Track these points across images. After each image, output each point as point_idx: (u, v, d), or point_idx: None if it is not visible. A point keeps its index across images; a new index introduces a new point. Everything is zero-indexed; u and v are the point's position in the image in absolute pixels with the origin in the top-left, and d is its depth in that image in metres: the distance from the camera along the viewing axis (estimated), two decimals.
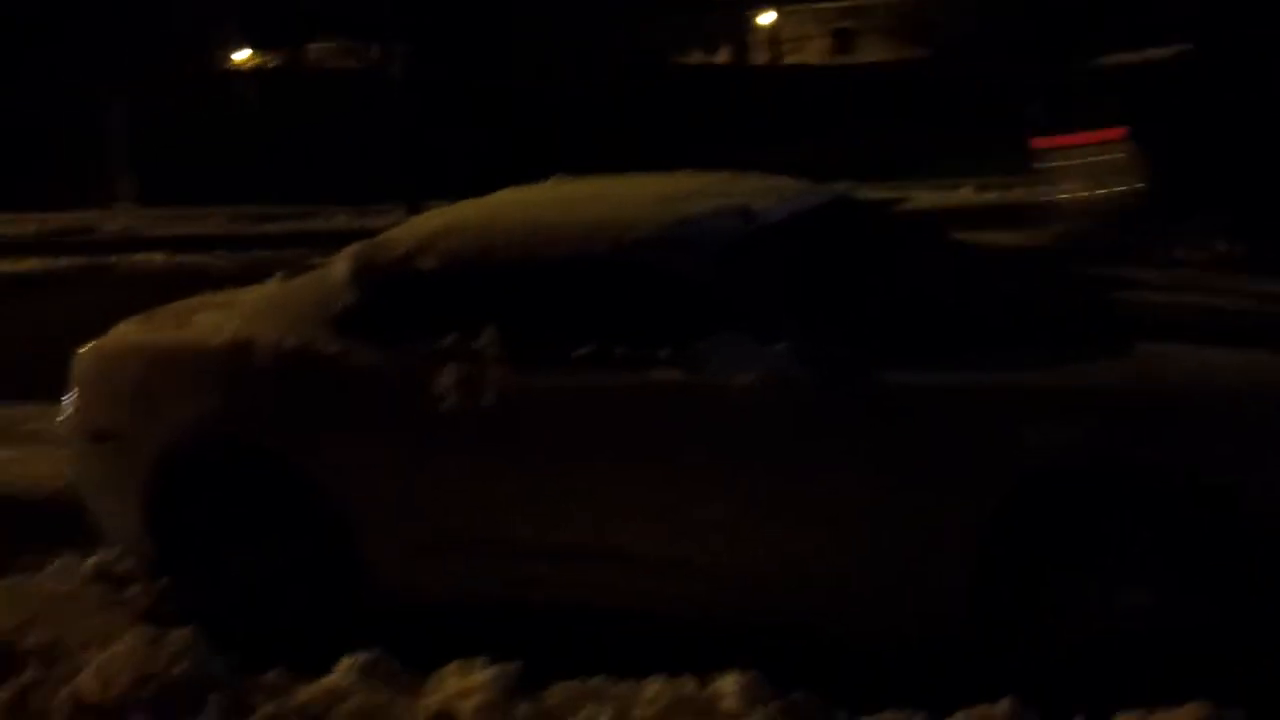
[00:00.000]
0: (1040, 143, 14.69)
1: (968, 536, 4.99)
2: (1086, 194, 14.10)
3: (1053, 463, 4.93)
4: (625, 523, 5.50)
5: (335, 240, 8.93)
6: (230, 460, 6.06)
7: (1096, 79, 14.65)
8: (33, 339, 13.29)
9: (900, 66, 24.74)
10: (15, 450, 9.56)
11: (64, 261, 19.82)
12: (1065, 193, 14.33)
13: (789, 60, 49.52)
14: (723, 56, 47.82)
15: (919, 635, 5.25)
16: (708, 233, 5.64)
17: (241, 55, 34.70)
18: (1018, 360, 5.18)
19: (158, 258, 19.48)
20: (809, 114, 24.80)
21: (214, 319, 6.47)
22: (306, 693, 5.35)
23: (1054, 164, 14.49)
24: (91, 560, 6.95)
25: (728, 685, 4.99)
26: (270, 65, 30.96)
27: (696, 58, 45.05)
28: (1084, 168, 14.05)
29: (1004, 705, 4.68)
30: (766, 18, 49.37)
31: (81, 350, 6.59)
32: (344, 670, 5.40)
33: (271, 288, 6.67)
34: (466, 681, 5.24)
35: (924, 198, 19.46)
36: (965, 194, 20.06)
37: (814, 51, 52.13)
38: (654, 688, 5.07)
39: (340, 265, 6.12)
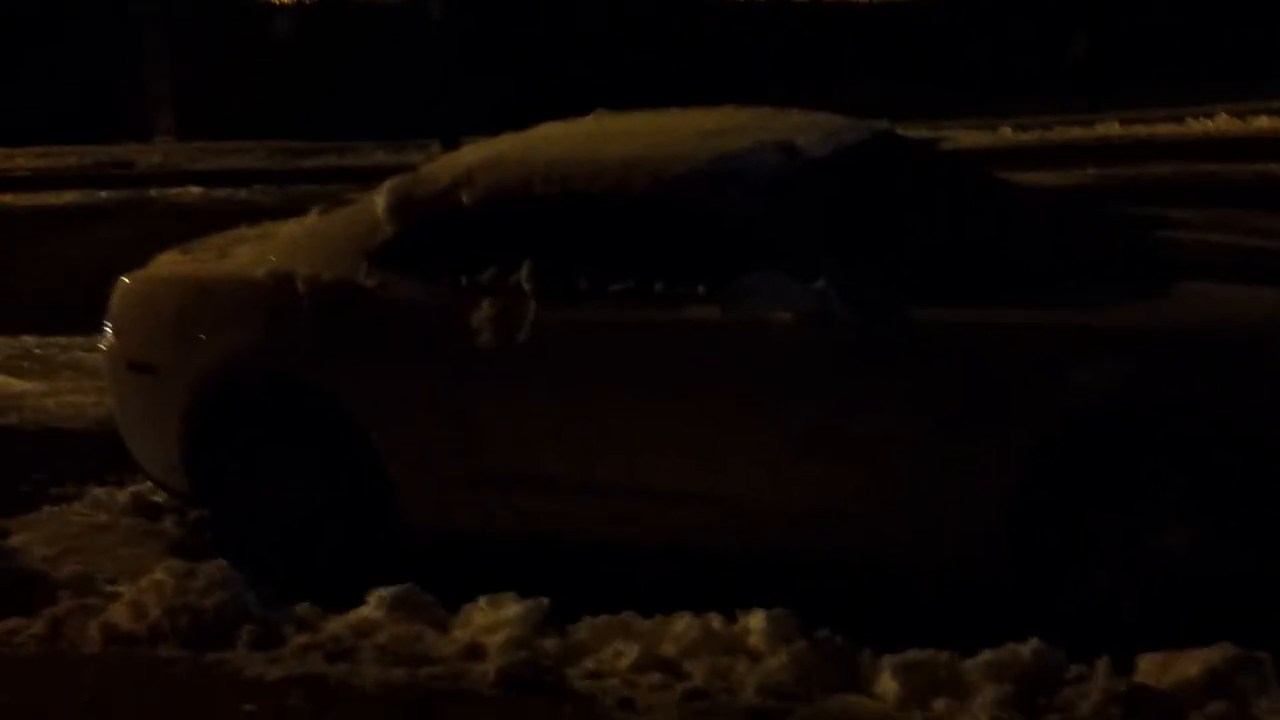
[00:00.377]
0: None
1: (1005, 477, 4.97)
2: None
3: (1091, 404, 4.90)
4: (661, 459, 5.49)
5: (373, 175, 8.92)
6: (267, 394, 6.07)
7: None
8: (72, 272, 13.35)
9: (943, 3, 24.45)
10: (55, 381, 9.62)
11: (103, 194, 19.86)
12: None
13: None
14: None
15: (955, 576, 5.24)
16: (750, 168, 5.60)
17: None
18: (1057, 300, 5.14)
19: (196, 191, 19.51)
20: (848, 52, 24.57)
21: (253, 252, 6.47)
22: (337, 625, 5.39)
23: None
24: (127, 491, 7.01)
25: (755, 622, 5.00)
26: None
27: None
28: None
29: (1030, 646, 4.66)
30: None
31: (122, 280, 6.59)
32: (374, 603, 5.43)
33: (310, 221, 6.66)
34: (495, 616, 5.26)
35: (965, 138, 19.31)
36: (1005, 133, 19.91)
37: None
38: (681, 623, 5.08)
39: (378, 199, 6.09)
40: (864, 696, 4.69)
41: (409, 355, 5.82)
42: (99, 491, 7.09)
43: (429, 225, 5.94)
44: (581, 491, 5.62)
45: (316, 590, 5.65)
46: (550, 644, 5.10)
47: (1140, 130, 19.20)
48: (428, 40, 24.10)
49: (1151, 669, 4.56)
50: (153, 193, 19.75)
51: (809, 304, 5.18)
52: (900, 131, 7.11)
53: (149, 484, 6.79)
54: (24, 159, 24.89)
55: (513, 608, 5.26)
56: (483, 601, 5.34)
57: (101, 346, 6.67)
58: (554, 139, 6.38)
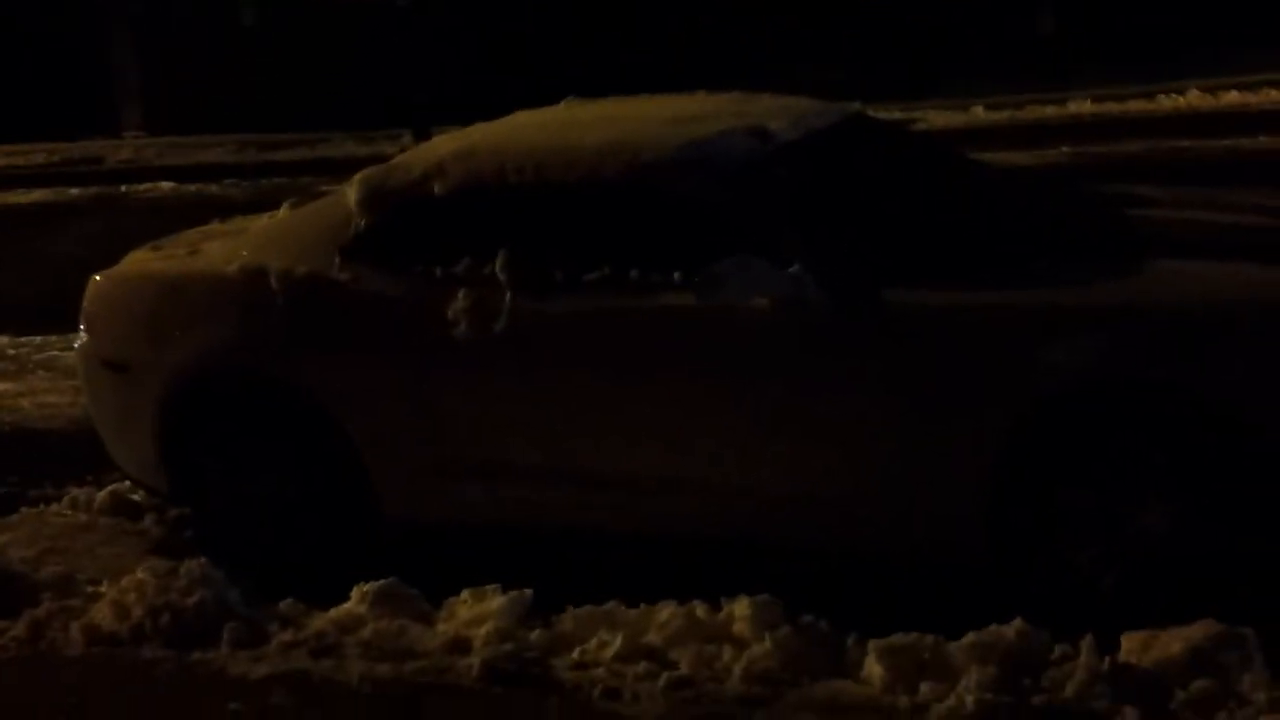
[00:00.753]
0: None
1: (981, 458, 4.97)
2: None
3: (1065, 383, 4.90)
4: (637, 446, 5.49)
5: (345, 166, 8.90)
6: (242, 390, 6.05)
7: None
8: (45, 270, 13.30)
9: None
10: (30, 381, 9.58)
11: (74, 192, 19.80)
12: None
13: None
14: None
15: (932, 558, 5.25)
16: (722, 154, 5.59)
17: None
18: (1031, 280, 5.14)
19: (167, 186, 19.45)
20: (816, 34, 24.56)
21: (224, 248, 6.44)
22: (321, 621, 5.37)
23: None
24: (106, 491, 6.98)
25: (740, 609, 4.99)
26: None
27: None
28: None
29: (1014, 627, 4.67)
30: None
31: (93, 279, 6.56)
32: (357, 599, 5.42)
33: (281, 216, 6.64)
34: (479, 608, 5.25)
35: (936, 118, 19.34)
36: (976, 113, 19.95)
37: None
38: (665, 612, 5.08)
39: (350, 192, 6.07)
40: (850, 681, 4.69)
41: (384, 348, 5.80)
42: (77, 491, 7.06)
43: (402, 217, 5.92)
44: (559, 481, 5.61)
45: (299, 586, 5.63)
46: (535, 635, 5.09)
47: (1112, 108, 19.27)
48: (397, 30, 24.05)
49: (1135, 647, 4.57)
50: (124, 189, 19.70)
51: (783, 289, 5.17)
52: (872, 113, 7.11)
53: (128, 483, 6.77)
54: None
55: (496, 600, 5.26)
56: (466, 594, 5.34)
57: (75, 345, 6.64)
58: (525, 128, 6.37)
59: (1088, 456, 4.89)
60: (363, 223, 5.94)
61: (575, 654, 4.99)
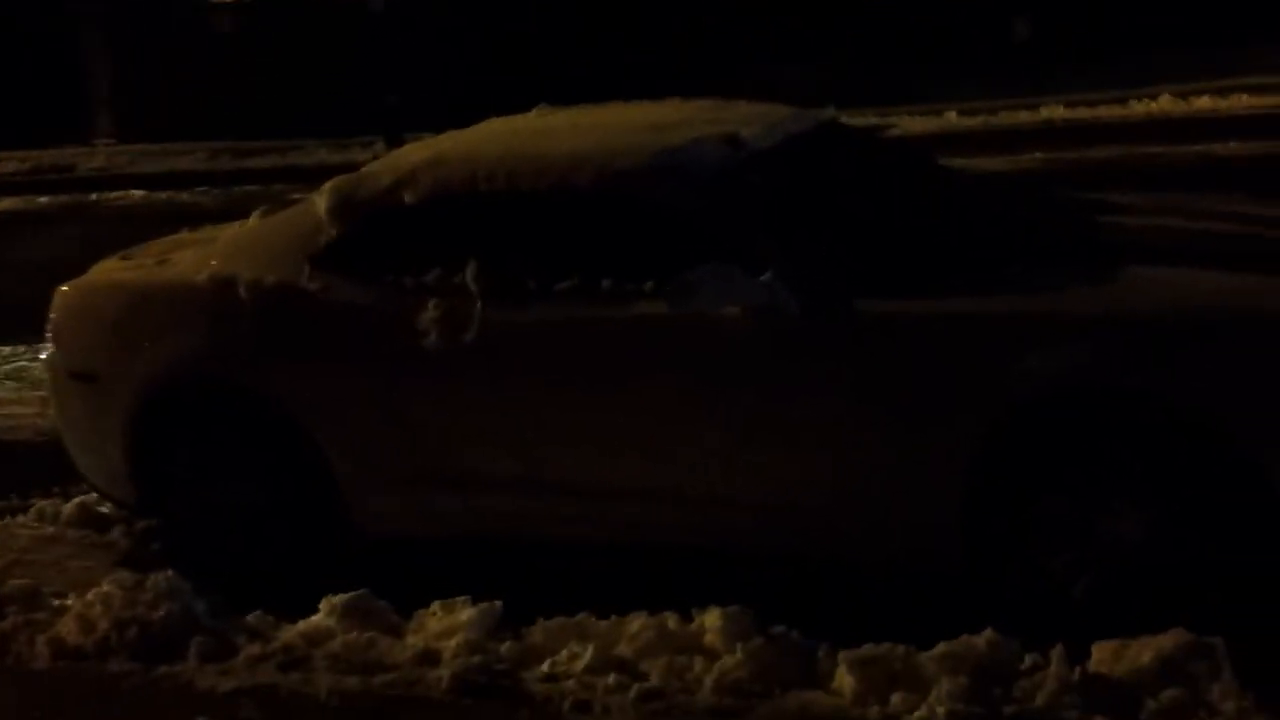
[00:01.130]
0: None
1: (955, 465, 4.96)
2: None
3: (1039, 390, 4.89)
4: (612, 456, 5.47)
5: (316, 174, 8.86)
6: (211, 400, 6.01)
7: None
8: (14, 279, 13.21)
9: None
10: None
11: (44, 200, 19.72)
12: None
13: None
14: None
15: (907, 565, 5.23)
16: (694, 162, 5.57)
17: None
18: (1004, 287, 5.13)
19: (138, 195, 19.38)
20: (789, 37, 24.56)
21: (194, 256, 6.40)
22: (289, 634, 5.35)
23: None
24: (73, 503, 6.93)
25: (711, 620, 4.98)
26: None
27: None
28: None
29: (984, 637, 4.66)
30: None
31: (61, 289, 6.52)
32: (326, 611, 5.39)
33: (251, 224, 6.59)
34: (449, 620, 5.23)
35: (910, 124, 19.36)
36: (950, 119, 19.98)
37: None
38: (636, 623, 5.05)
39: (320, 201, 6.04)
40: (821, 693, 4.68)
41: (354, 358, 5.77)
42: (44, 503, 7.00)
43: (372, 226, 5.89)
44: (531, 491, 5.58)
45: (268, 598, 5.61)
46: (505, 648, 5.06)
47: (1084, 113, 19.29)
48: (370, 35, 24.01)
49: (1105, 657, 4.57)
50: (94, 197, 19.63)
51: (757, 298, 5.15)
52: (846, 120, 7.10)
53: (95, 495, 6.72)
54: None
55: (466, 612, 5.23)
56: (436, 606, 5.31)
57: (42, 356, 6.59)
58: (497, 136, 6.34)
59: (1061, 463, 4.88)
60: (333, 232, 5.91)
61: (545, 666, 4.97)
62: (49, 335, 6.48)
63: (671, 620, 5.04)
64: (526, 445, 5.55)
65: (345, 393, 5.77)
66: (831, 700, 4.63)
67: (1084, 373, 4.87)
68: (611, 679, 4.83)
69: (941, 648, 4.65)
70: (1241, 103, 18.55)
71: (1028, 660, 4.60)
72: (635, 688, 4.77)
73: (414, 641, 5.19)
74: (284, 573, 5.88)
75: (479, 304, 5.55)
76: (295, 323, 5.87)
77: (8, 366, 10.12)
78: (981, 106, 20.43)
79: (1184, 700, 4.35)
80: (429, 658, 5.08)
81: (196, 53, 26.70)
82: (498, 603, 5.25)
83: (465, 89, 22.64)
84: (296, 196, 6.98)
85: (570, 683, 4.86)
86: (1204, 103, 18.87)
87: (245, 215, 6.86)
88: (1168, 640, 4.52)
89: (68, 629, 5.44)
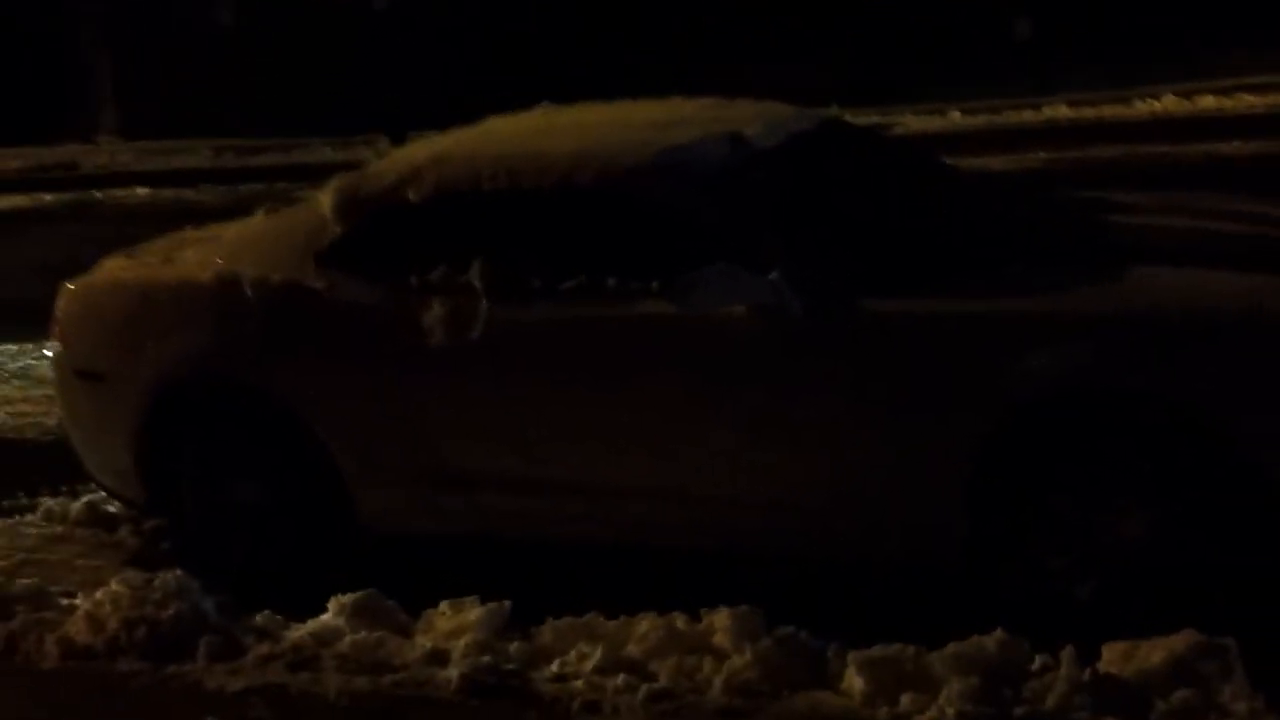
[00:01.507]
0: None
1: (957, 465, 4.95)
2: None
3: (1042, 390, 4.88)
4: (616, 455, 5.46)
5: (320, 172, 8.85)
6: (218, 398, 6.01)
7: None
8: (20, 277, 13.20)
9: None
10: (4, 390, 9.53)
11: (48, 198, 19.71)
12: None
13: None
14: None
15: (908, 565, 5.23)
16: (698, 160, 5.57)
17: None
18: (1007, 286, 5.13)
19: (142, 192, 19.37)
20: (792, 36, 24.53)
21: (198, 255, 6.40)
22: (298, 633, 5.34)
23: None
24: (81, 502, 6.93)
25: (720, 620, 4.97)
26: None
27: None
28: None
29: (995, 638, 4.65)
30: None
31: (66, 287, 6.52)
32: (335, 610, 5.39)
33: (256, 222, 6.60)
34: (457, 620, 5.23)
35: (914, 123, 19.35)
36: (954, 118, 19.97)
37: None
38: (645, 623, 5.05)
39: (325, 199, 6.04)
40: (831, 693, 4.67)
41: (359, 356, 5.77)
42: (52, 503, 7.00)
43: (377, 224, 5.89)
44: (536, 490, 5.58)
45: (276, 597, 5.60)
46: (514, 647, 5.06)
47: (1088, 113, 19.27)
48: (373, 33, 24.00)
49: (1115, 658, 4.56)
50: (99, 195, 19.62)
51: (762, 296, 5.15)
52: (849, 119, 7.09)
53: (103, 494, 6.72)
54: None
55: (475, 611, 5.23)
56: (445, 606, 5.31)
57: (48, 354, 6.59)
58: (501, 134, 6.34)
59: (1064, 464, 4.88)
60: (338, 230, 5.91)
61: (554, 666, 4.96)
62: (54, 334, 6.48)
63: (680, 620, 5.03)
64: (531, 444, 5.55)
65: (350, 390, 5.77)
66: (841, 701, 4.63)
67: (1086, 373, 4.86)
68: (620, 679, 4.82)
69: (951, 648, 4.64)
70: (1245, 102, 18.53)
71: (1038, 661, 4.59)
72: (644, 688, 4.76)
73: (423, 641, 5.19)
74: (291, 571, 5.89)
75: (484, 302, 5.54)
76: (300, 321, 5.87)
77: (14, 365, 10.11)
78: (985, 106, 20.42)
79: (1195, 701, 4.34)
80: (438, 657, 5.07)
81: (199, 50, 26.69)
82: (506, 602, 5.24)
83: (466, 88, 22.60)
84: (301, 194, 6.96)
85: (579, 683, 4.85)
86: (1208, 102, 18.85)
87: (249, 213, 6.86)
88: (1179, 641, 4.51)
89: (76, 628, 5.44)
